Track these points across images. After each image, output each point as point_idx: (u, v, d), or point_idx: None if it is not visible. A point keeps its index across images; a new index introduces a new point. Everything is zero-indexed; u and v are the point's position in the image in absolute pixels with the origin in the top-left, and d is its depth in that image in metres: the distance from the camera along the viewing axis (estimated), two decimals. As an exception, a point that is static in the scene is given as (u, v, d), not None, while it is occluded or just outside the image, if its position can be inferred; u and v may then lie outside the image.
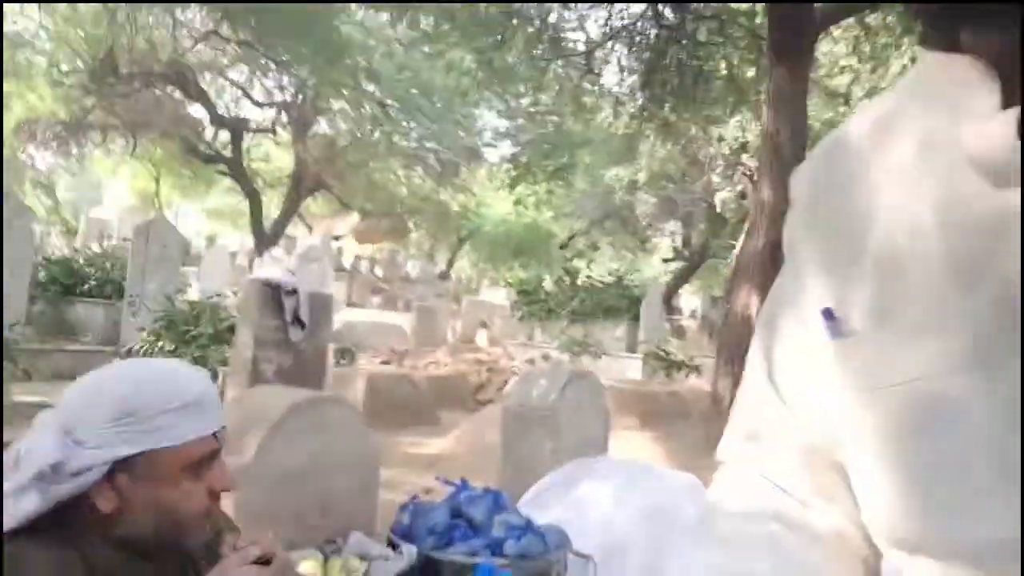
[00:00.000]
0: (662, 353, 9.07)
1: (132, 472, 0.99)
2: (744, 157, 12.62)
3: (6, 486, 0.99)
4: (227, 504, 2.96)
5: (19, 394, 5.53)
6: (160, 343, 6.60)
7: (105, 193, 24.19)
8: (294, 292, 6.03)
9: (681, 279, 16.56)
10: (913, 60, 10.43)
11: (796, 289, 0.64)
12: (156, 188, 20.46)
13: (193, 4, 13.40)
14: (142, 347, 6.66)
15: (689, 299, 21.18)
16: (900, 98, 0.57)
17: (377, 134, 16.70)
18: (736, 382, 6.87)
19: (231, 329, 6.43)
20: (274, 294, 5.96)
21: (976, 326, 0.49)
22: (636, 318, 11.44)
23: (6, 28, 11.48)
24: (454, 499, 3.18)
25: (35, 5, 12.03)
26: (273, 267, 6.63)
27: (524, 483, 4.05)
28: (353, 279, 18.00)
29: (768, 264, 6.57)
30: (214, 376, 6.17)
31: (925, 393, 0.52)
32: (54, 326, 9.17)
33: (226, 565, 1.03)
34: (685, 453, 6.32)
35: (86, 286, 9.53)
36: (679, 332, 14.78)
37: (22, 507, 0.96)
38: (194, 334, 6.53)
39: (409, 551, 2.84)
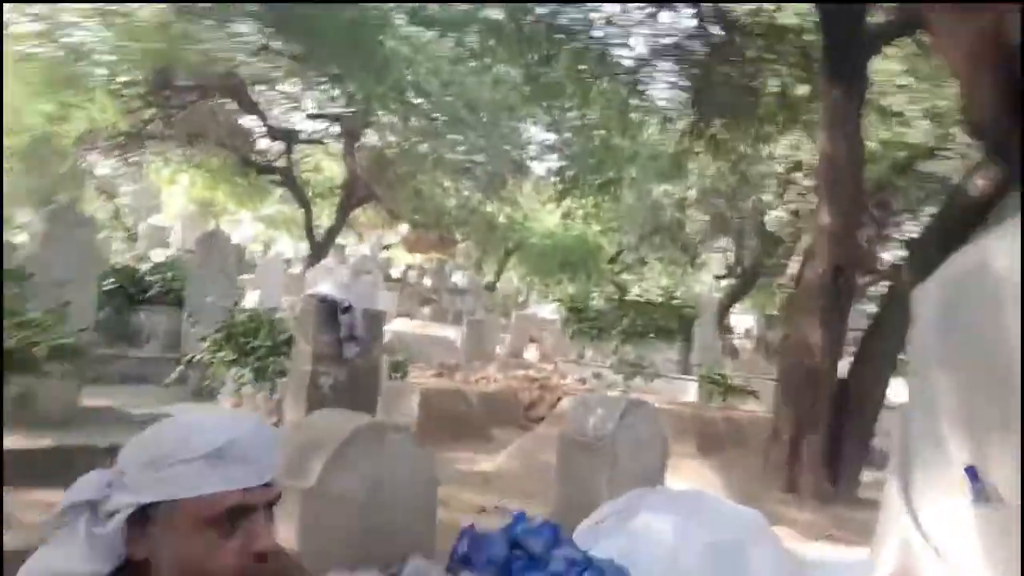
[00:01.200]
0: (718, 377, 8.92)
1: (158, 521, 0.99)
2: (797, 176, 12.41)
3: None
4: (291, 527, 3.00)
5: (88, 398, 5.68)
6: (221, 353, 6.76)
7: (164, 201, 24.92)
8: (349, 309, 6.13)
9: (733, 298, 16.26)
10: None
11: (934, 423, 0.60)
12: (214, 197, 21.00)
13: (248, 19, 13.75)
14: (204, 357, 6.83)
15: (741, 318, 20.76)
16: None
17: (425, 147, 16.87)
18: (798, 417, 6.64)
19: (288, 341, 6.56)
20: (330, 310, 6.07)
21: None
22: (688, 339, 11.29)
23: (68, 40, 11.95)
24: (511, 530, 3.19)
25: (94, 18, 12.43)
26: (328, 283, 6.74)
27: (580, 511, 4.03)
28: (403, 289, 18.18)
29: (829, 289, 6.40)
30: (272, 390, 6.30)
31: None
32: (120, 332, 9.50)
33: None
34: (743, 484, 6.19)
35: (148, 294, 9.84)
36: (733, 352, 14.53)
37: (78, 563, 0.98)
38: (253, 346, 6.68)
39: (471, 581, 2.86)
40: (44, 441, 4.58)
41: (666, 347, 11.44)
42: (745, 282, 16.30)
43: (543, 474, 4.68)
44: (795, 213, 13.14)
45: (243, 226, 24.57)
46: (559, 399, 8.03)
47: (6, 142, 11.73)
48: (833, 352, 6.45)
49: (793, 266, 11.32)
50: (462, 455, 6.52)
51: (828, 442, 6.39)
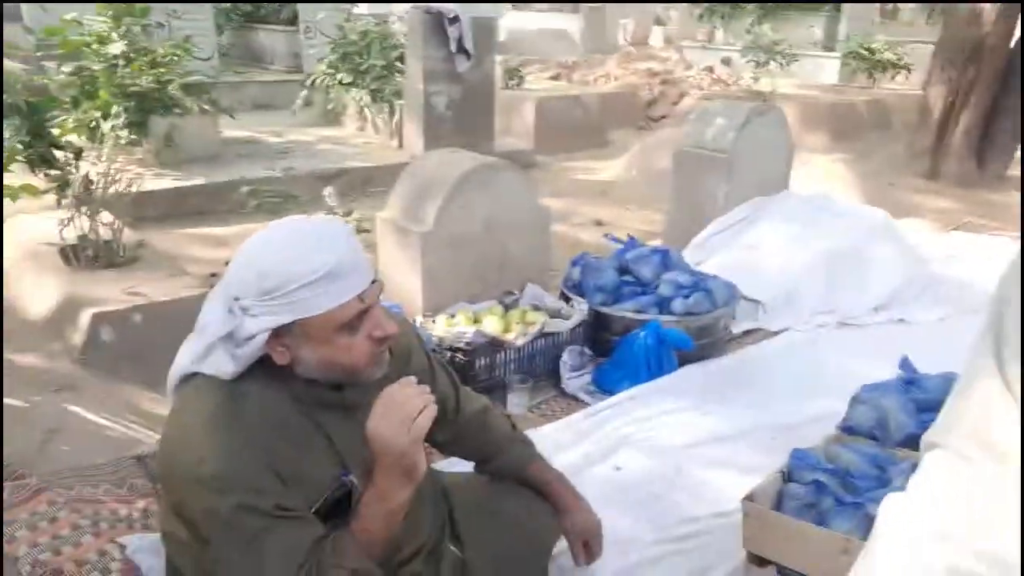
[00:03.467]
0: (865, 52, 7.92)
1: (292, 334, 1.12)
2: None
3: (197, 346, 1.16)
4: (415, 268, 3.23)
5: (227, 128, 5.96)
6: (338, 75, 6.81)
7: None
8: (456, 19, 5.85)
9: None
10: None
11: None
12: None
13: None
14: (323, 80, 6.91)
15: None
16: None
17: None
18: (953, 91, 5.99)
19: (401, 59, 6.46)
20: (437, 23, 5.83)
21: None
22: (838, 7, 9.89)
23: None
24: (621, 257, 3.27)
25: None
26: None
27: (696, 224, 4.03)
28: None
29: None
30: (391, 112, 6.38)
31: None
32: (243, 57, 9.67)
33: (391, 389, 1.15)
34: (879, 174, 5.87)
35: (263, 11, 9.75)
36: (892, 12, 12.81)
37: (226, 367, 1.14)
38: (366, 68, 6.64)
39: (580, 306, 3.04)
40: (195, 180, 4.98)
41: (809, 20, 10.11)
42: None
43: (662, 182, 4.61)
44: None
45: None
46: (682, 95, 7.60)
47: None
48: (1007, 19, 5.56)
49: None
50: (580, 164, 6.51)
51: (982, 121, 5.81)
